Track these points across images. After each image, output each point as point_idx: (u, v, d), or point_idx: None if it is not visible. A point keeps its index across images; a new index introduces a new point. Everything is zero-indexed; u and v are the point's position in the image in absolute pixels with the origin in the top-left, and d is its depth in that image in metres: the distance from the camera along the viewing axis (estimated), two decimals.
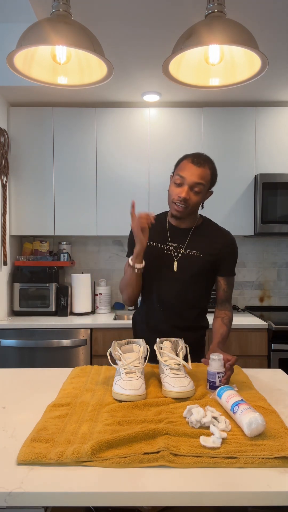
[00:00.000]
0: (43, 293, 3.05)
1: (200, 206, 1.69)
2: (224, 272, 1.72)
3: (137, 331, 1.82)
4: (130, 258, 1.62)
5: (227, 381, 1.34)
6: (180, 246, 1.68)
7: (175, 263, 1.67)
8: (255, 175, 3.06)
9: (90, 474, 0.89)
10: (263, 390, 1.40)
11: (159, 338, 1.49)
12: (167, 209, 2.75)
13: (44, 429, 1.06)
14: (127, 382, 1.27)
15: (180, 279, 1.67)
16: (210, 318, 1.82)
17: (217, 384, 1.32)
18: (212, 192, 1.68)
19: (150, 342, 1.56)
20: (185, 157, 1.61)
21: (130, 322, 2.44)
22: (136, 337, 1.81)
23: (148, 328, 1.74)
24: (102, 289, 3.20)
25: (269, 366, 2.75)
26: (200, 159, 1.58)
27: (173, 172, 1.65)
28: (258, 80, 2.74)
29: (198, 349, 1.75)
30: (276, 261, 3.43)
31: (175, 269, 1.67)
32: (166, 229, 1.71)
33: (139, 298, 1.80)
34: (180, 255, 1.68)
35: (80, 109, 3.07)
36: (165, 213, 1.78)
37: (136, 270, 1.61)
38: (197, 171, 1.56)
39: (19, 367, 2.70)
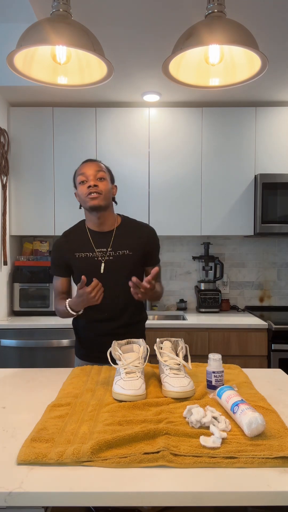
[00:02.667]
0: (43, 293, 3.04)
1: (113, 202, 1.79)
2: (152, 262, 1.80)
3: (81, 339, 1.82)
4: (69, 306, 1.65)
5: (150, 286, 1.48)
6: (108, 249, 1.72)
7: (102, 265, 1.71)
8: (255, 175, 3.06)
9: (90, 474, 0.89)
10: (263, 390, 1.40)
11: (106, 340, 1.62)
12: (166, 208, 2.81)
13: (44, 429, 1.06)
14: (127, 382, 1.28)
15: (109, 280, 1.70)
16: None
17: (213, 383, 1.32)
18: (116, 187, 1.79)
19: (100, 347, 1.69)
20: (79, 166, 1.74)
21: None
22: (81, 344, 1.82)
23: (94, 334, 1.76)
24: None
25: (269, 366, 2.75)
26: (90, 159, 1.75)
27: (76, 189, 1.75)
28: (258, 80, 2.73)
29: None
30: (276, 261, 3.43)
31: (102, 271, 1.70)
32: (88, 237, 1.75)
33: None
34: (108, 258, 1.72)
35: (80, 109, 3.07)
36: (82, 223, 1.81)
37: (75, 314, 1.67)
38: (92, 164, 1.70)
39: (19, 367, 2.70)
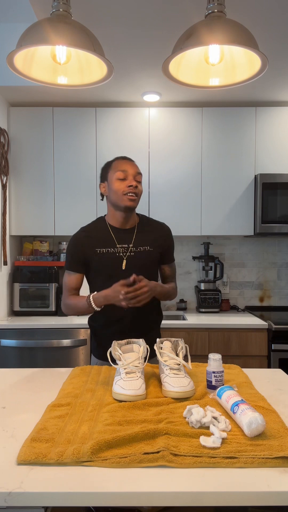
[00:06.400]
0: (43, 293, 3.04)
1: None
2: (167, 260, 1.85)
3: (98, 338, 1.82)
4: (93, 301, 1.61)
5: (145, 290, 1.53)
6: (130, 245, 1.75)
7: (124, 261, 1.72)
8: (255, 175, 3.06)
9: (90, 474, 0.89)
10: (263, 390, 1.40)
11: (121, 339, 1.57)
12: (167, 209, 2.82)
13: (44, 429, 1.06)
14: (127, 382, 1.28)
15: (130, 275, 1.66)
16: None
17: (213, 383, 1.32)
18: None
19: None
20: (114, 159, 1.75)
21: None
22: (97, 343, 1.83)
23: (111, 332, 1.75)
24: None
25: (269, 366, 2.75)
26: (127, 157, 1.76)
27: (103, 180, 1.76)
28: (258, 80, 2.73)
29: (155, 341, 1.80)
30: (276, 261, 3.43)
31: (124, 267, 1.71)
32: (110, 233, 1.76)
33: None
34: (129, 254, 1.73)
35: (80, 109, 3.07)
36: (102, 219, 1.82)
37: (95, 310, 1.64)
38: (132, 164, 1.72)
39: (19, 367, 2.70)
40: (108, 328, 1.76)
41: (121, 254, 1.72)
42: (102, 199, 1.83)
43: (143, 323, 1.76)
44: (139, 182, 1.71)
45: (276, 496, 0.84)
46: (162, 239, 1.80)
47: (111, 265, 1.71)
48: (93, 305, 1.62)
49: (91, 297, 1.62)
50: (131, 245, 1.74)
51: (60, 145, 3.08)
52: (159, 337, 1.83)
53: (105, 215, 1.83)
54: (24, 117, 3.07)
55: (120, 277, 1.65)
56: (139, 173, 1.71)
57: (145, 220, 1.84)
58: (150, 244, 1.76)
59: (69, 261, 1.77)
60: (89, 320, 1.85)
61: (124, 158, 1.74)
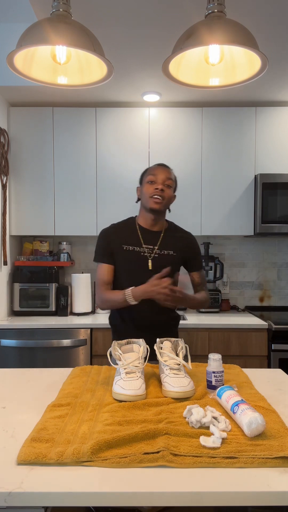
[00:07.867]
0: (43, 293, 3.04)
1: (167, 210, 1.89)
2: (194, 267, 1.92)
3: (117, 335, 1.87)
4: (131, 295, 1.66)
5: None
6: (154, 247, 1.82)
7: (150, 261, 1.78)
8: (255, 175, 3.06)
9: (90, 474, 0.89)
10: (263, 390, 1.40)
11: (142, 336, 1.63)
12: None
13: (44, 429, 1.06)
14: (127, 382, 1.28)
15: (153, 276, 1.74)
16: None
17: (213, 383, 1.32)
18: (175, 196, 1.87)
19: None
20: (151, 166, 1.86)
21: None
22: (117, 339, 1.85)
23: (131, 329, 1.80)
24: None
25: (269, 366, 2.75)
26: (165, 165, 1.85)
27: (140, 184, 1.86)
28: (258, 80, 2.73)
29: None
30: (276, 261, 3.43)
31: (150, 268, 1.78)
32: (137, 233, 1.84)
33: None
34: (154, 255, 1.80)
35: (80, 109, 3.07)
36: (132, 219, 1.90)
37: (129, 303, 1.69)
38: (165, 170, 1.81)
39: (19, 367, 2.70)
40: (129, 325, 1.81)
41: (146, 254, 1.79)
42: (136, 202, 1.90)
43: (163, 321, 1.83)
44: (169, 187, 1.78)
45: (276, 496, 0.84)
46: (186, 246, 1.87)
47: (136, 264, 1.77)
48: (131, 299, 1.66)
49: (129, 291, 1.67)
50: (156, 247, 1.81)
51: (60, 145, 3.08)
52: (177, 337, 1.91)
53: (136, 215, 1.90)
54: (24, 117, 3.07)
55: (146, 277, 1.70)
56: (170, 179, 1.78)
57: (173, 226, 1.92)
58: (174, 249, 1.83)
59: (99, 253, 1.84)
60: (110, 318, 1.90)
61: (159, 165, 1.82)
